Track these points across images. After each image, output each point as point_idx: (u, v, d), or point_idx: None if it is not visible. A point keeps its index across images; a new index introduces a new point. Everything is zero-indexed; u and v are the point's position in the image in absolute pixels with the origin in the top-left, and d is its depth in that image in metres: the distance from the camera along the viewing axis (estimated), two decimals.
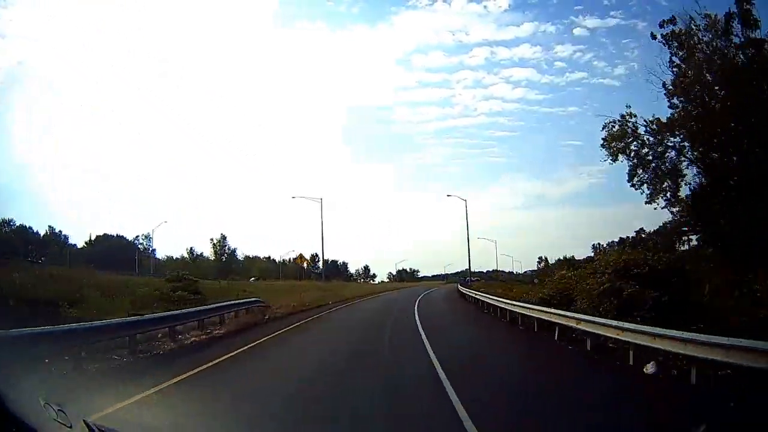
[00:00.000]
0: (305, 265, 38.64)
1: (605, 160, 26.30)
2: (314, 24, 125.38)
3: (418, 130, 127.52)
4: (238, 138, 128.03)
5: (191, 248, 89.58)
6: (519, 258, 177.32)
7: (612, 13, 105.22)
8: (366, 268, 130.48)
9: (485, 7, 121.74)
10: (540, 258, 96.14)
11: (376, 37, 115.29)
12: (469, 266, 50.32)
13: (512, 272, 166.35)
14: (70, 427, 2.53)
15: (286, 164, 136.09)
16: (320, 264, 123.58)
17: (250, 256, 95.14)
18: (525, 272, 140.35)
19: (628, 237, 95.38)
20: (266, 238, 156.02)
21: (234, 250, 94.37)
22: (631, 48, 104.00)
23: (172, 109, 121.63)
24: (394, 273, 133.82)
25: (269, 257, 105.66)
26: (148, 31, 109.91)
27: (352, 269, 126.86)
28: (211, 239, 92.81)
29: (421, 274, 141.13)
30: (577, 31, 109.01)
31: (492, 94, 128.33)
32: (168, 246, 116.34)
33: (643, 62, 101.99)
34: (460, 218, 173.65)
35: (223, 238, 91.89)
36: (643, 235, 79.11)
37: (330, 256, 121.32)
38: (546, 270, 76.12)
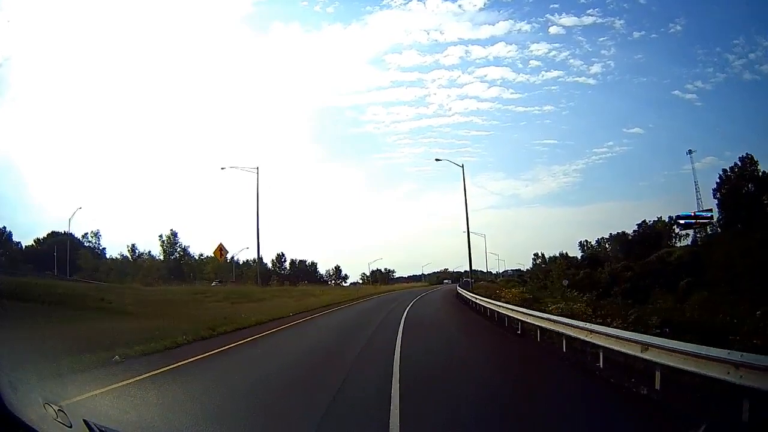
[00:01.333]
0: (222, 258, 30.13)
1: None
2: (289, 25, 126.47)
3: (391, 129, 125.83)
4: (208, 136, 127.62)
5: (132, 245, 79.64)
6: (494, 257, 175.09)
7: (589, 11, 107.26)
8: (337, 269, 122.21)
9: (460, 6, 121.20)
10: (536, 254, 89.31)
11: (350, 37, 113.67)
12: (470, 261, 40.07)
13: (491, 272, 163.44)
14: (70, 426, 2.56)
15: (257, 164, 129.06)
16: (286, 264, 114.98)
17: (205, 255, 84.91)
18: (506, 271, 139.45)
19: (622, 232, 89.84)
20: (231, 237, 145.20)
21: (186, 248, 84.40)
22: (608, 46, 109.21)
23: (139, 108, 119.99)
24: (368, 274, 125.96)
25: (232, 258, 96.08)
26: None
27: (322, 270, 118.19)
28: (160, 236, 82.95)
29: (396, 275, 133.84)
30: (552, 30, 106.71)
31: (466, 94, 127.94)
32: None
33: (620, 60, 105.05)
34: (437, 215, 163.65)
35: (173, 234, 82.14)
36: (644, 228, 73.33)
37: (298, 255, 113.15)
38: (544, 267, 67.60)
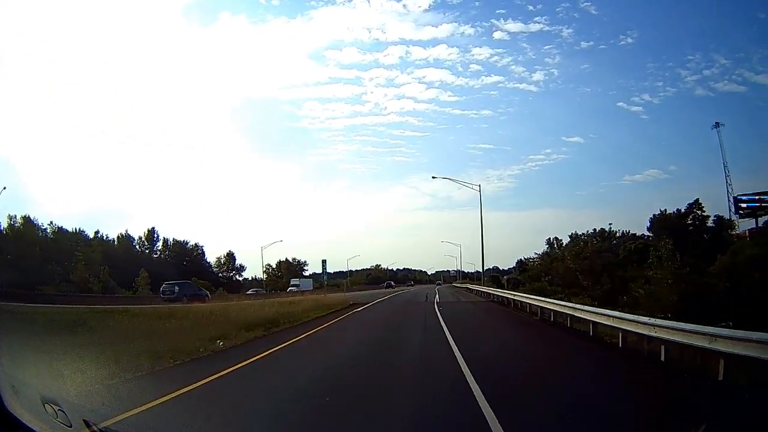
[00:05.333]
0: None
1: None
2: (236, 16, 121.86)
3: (326, 125, 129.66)
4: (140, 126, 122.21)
5: None
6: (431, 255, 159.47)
7: (536, 18, 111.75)
8: (229, 257, 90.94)
9: (404, 6, 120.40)
10: (549, 240, 69.40)
11: (294, 31, 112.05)
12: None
13: (425, 272, 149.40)
14: (70, 426, 2.57)
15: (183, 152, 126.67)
16: (159, 244, 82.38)
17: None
18: (447, 271, 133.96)
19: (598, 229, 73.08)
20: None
21: None
22: (554, 54, 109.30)
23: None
24: (274, 265, 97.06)
25: (79, 229, 63.53)
26: None
27: (211, 257, 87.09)
28: None
29: (311, 271, 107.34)
30: (497, 35, 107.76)
31: (404, 94, 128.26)
32: None
33: (564, 68, 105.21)
34: (370, 213, 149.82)
35: None
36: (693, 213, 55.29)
37: (177, 234, 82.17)
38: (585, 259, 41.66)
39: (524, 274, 62.86)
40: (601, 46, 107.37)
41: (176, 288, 36.18)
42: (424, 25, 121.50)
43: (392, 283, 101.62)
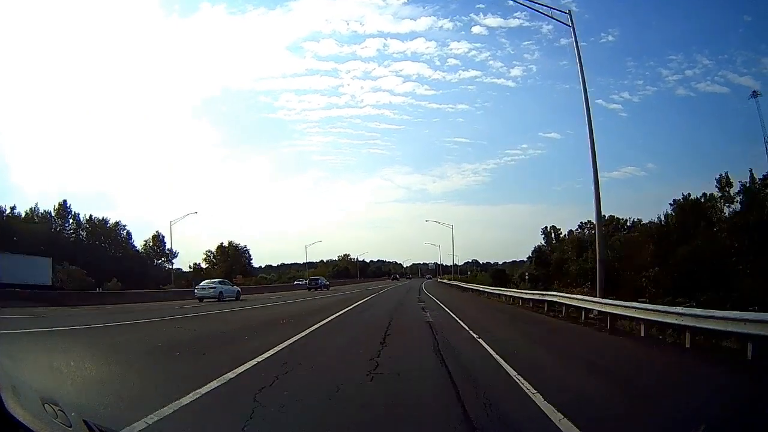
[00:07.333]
0: None
1: None
2: (215, 5, 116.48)
3: (302, 117, 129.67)
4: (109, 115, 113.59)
5: None
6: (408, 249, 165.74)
7: (516, 13, 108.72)
8: (157, 239, 77.04)
9: None
10: (545, 229, 60.55)
11: (272, 22, 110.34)
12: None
13: (400, 264, 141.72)
14: (70, 426, 2.47)
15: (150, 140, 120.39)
16: (71, 220, 63.56)
17: None
18: (425, 264, 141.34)
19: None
20: None
21: None
22: (533, 50, 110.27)
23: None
24: (214, 251, 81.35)
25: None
26: None
27: (138, 239, 73.03)
28: None
29: (283, 262, 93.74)
30: (475, 29, 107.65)
31: (380, 87, 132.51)
32: None
33: (543, 64, 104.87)
34: (341, 207, 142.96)
35: None
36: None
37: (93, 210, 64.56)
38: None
39: (544, 269, 49.32)
40: (582, 43, 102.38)
41: (320, 280, 56.93)
42: (403, 18, 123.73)
43: (398, 275, 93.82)
